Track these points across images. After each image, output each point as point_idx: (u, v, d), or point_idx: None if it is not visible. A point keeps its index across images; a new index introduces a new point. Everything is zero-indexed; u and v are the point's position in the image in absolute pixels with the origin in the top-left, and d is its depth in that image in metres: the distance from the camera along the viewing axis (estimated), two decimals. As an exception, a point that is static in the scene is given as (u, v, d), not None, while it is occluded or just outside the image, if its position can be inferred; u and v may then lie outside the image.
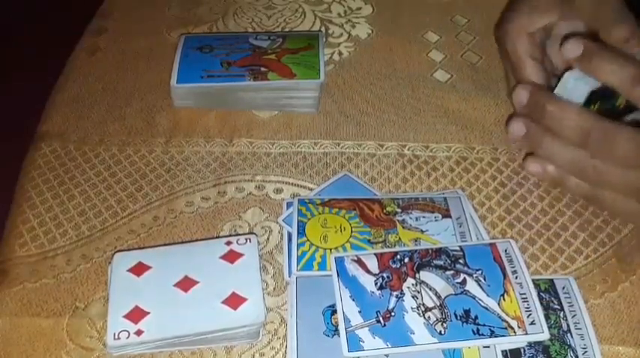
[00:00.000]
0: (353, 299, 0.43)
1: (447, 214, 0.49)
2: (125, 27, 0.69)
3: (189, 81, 0.58)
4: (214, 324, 0.42)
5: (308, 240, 0.47)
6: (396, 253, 0.46)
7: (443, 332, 0.41)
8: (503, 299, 0.43)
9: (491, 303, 0.43)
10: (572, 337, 0.43)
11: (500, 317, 0.42)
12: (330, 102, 0.60)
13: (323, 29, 0.68)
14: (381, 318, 0.42)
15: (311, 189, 0.53)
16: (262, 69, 0.58)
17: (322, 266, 0.46)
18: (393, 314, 0.43)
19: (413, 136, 0.57)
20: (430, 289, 0.44)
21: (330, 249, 0.47)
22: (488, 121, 0.58)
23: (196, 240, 0.49)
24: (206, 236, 0.49)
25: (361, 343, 0.41)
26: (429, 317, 0.42)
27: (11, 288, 0.47)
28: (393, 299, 0.43)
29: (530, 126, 0.49)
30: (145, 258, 0.46)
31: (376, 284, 0.44)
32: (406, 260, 0.45)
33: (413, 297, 0.43)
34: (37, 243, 0.49)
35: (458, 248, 0.46)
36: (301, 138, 0.57)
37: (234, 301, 0.43)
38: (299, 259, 0.46)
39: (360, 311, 0.43)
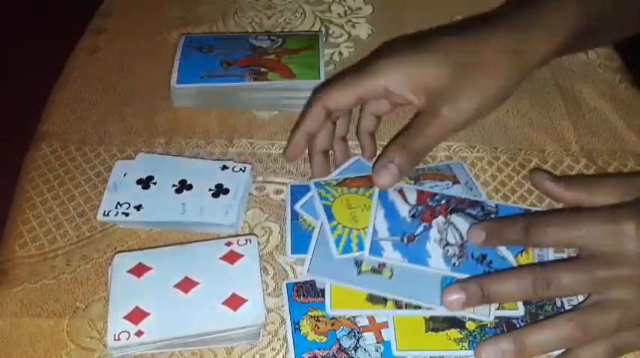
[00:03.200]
0: (385, 218, 0.47)
1: (455, 181, 0.51)
2: (125, 27, 0.69)
3: (190, 81, 0.58)
4: (214, 325, 0.42)
5: (339, 222, 0.47)
6: (435, 194, 0.49)
7: (456, 265, 0.44)
8: (521, 255, 0.45)
9: (509, 255, 0.45)
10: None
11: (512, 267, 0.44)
12: (330, 102, 0.60)
13: (323, 29, 0.68)
14: (405, 238, 0.46)
15: (311, 190, 0.53)
16: (262, 69, 0.58)
17: (360, 246, 0.46)
18: (417, 239, 0.46)
19: (413, 136, 0.57)
20: (456, 230, 0.46)
21: (363, 229, 0.47)
22: (488, 120, 0.58)
23: (196, 241, 0.49)
24: (206, 237, 0.49)
25: (382, 251, 0.45)
26: (447, 250, 0.45)
27: (11, 289, 0.47)
28: (421, 228, 0.47)
29: None
30: (145, 259, 0.46)
31: (410, 212, 0.47)
32: (443, 202, 0.48)
33: (439, 231, 0.46)
34: (38, 243, 0.49)
35: (493, 205, 0.48)
36: (301, 139, 0.57)
37: (235, 302, 0.43)
38: (337, 243, 0.46)
39: (388, 229, 0.46)
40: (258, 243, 0.48)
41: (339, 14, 0.69)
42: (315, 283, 0.45)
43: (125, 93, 0.61)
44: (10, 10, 1.71)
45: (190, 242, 0.49)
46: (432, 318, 0.43)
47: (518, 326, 0.43)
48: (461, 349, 0.42)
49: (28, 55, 1.55)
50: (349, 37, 0.67)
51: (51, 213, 0.51)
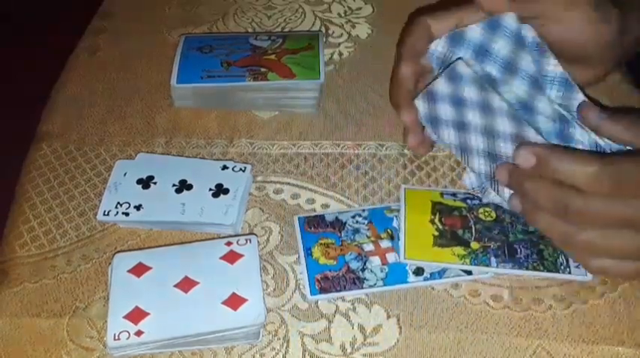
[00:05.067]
0: None
1: None
2: (125, 27, 0.69)
3: (190, 81, 0.58)
4: (214, 325, 0.42)
5: None
6: None
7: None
8: None
9: None
10: None
11: None
12: (330, 102, 0.60)
13: (323, 29, 0.68)
14: None
15: (312, 190, 0.53)
16: (262, 69, 0.58)
17: None
18: None
19: (413, 136, 0.57)
20: None
21: None
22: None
23: (196, 241, 0.49)
24: (206, 237, 0.49)
25: None
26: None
27: (11, 289, 0.47)
28: None
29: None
30: (145, 259, 0.46)
31: None
32: None
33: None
34: (38, 243, 0.49)
35: None
36: (301, 139, 0.57)
37: (235, 302, 0.43)
38: None
39: None
40: (258, 243, 0.48)
41: (339, 14, 0.69)
42: (324, 216, 0.50)
43: (125, 93, 0.61)
44: (10, 10, 1.71)
45: (190, 242, 0.49)
46: (440, 235, 0.47)
47: (518, 250, 0.46)
48: (463, 264, 0.46)
49: (28, 55, 1.55)
50: (349, 37, 0.67)
51: (51, 212, 0.51)
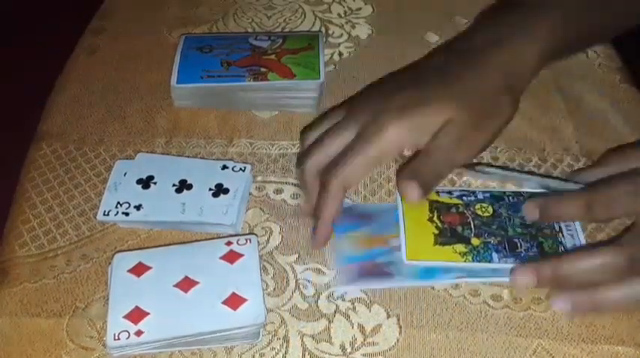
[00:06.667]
0: None
1: None
2: (125, 27, 0.69)
3: (189, 81, 0.58)
4: (214, 325, 0.42)
5: None
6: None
7: None
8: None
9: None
10: (563, 236, 0.47)
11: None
12: (330, 102, 0.60)
13: (323, 29, 0.68)
14: None
15: (311, 190, 0.53)
16: (262, 69, 0.58)
17: None
18: None
19: (413, 136, 0.57)
20: None
21: None
22: (489, 121, 0.58)
23: (196, 241, 0.49)
24: (206, 237, 0.49)
25: None
26: None
27: (11, 288, 0.47)
28: None
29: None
30: (145, 259, 0.46)
31: None
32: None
33: None
34: (37, 243, 0.49)
35: None
36: (301, 139, 0.57)
37: (235, 301, 0.43)
38: None
39: None
40: (258, 243, 0.48)
41: (339, 14, 0.69)
42: (353, 208, 0.50)
43: (125, 93, 0.61)
44: (10, 10, 1.71)
45: (190, 242, 0.49)
46: (440, 233, 0.47)
47: (519, 244, 0.47)
48: (465, 261, 0.46)
49: (28, 55, 1.55)
50: (349, 37, 0.67)
51: (51, 212, 0.51)
